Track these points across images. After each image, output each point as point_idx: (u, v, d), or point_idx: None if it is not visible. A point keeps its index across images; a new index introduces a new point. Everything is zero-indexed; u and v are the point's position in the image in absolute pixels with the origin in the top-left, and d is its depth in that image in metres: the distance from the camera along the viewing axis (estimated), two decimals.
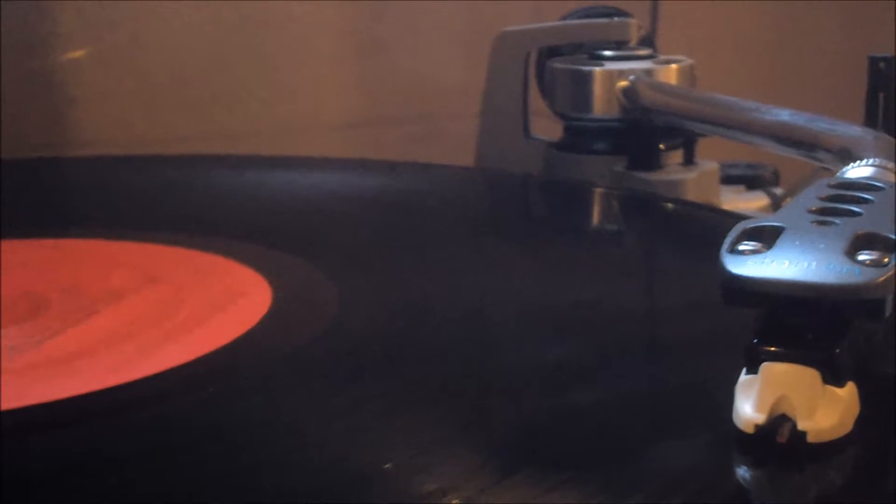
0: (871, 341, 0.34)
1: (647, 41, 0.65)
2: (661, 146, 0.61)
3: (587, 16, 0.67)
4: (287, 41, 0.83)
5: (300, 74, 0.84)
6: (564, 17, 0.67)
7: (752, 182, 0.67)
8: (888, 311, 0.29)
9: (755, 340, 0.30)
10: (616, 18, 0.66)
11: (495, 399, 0.35)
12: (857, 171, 0.40)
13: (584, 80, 0.61)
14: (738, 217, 0.44)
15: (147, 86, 0.80)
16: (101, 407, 0.34)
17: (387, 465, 0.30)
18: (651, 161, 0.61)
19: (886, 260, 0.29)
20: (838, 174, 0.40)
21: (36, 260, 0.49)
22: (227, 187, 0.62)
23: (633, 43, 0.64)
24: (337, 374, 0.37)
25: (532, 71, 0.66)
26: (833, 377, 0.29)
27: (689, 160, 0.61)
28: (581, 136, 0.63)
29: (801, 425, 0.29)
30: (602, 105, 0.61)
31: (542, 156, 0.65)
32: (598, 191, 0.61)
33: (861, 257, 0.30)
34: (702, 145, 0.61)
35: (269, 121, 0.83)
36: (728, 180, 0.66)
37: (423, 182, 0.64)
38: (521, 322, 0.42)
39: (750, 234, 0.31)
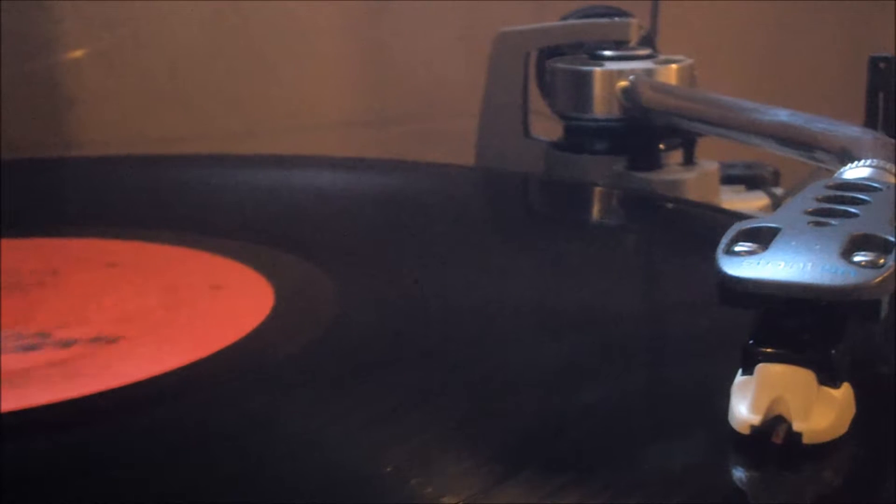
0: (869, 342, 0.34)
1: (647, 41, 0.65)
2: (661, 146, 0.61)
3: (587, 16, 0.67)
4: (287, 41, 0.83)
5: (300, 74, 0.84)
6: (564, 17, 0.67)
7: (752, 182, 0.67)
8: (884, 312, 0.29)
9: (751, 341, 0.30)
10: (616, 18, 0.66)
11: (495, 399, 0.35)
12: (855, 171, 0.40)
13: (584, 80, 0.61)
14: (737, 216, 0.44)
15: (147, 86, 0.80)
16: (102, 409, 0.34)
17: (388, 469, 0.30)
18: (651, 161, 0.60)
19: (882, 261, 0.29)
20: (836, 175, 0.40)
21: (35, 260, 0.49)
22: (228, 187, 0.62)
23: (633, 43, 0.64)
24: (338, 374, 0.37)
25: (532, 71, 0.66)
26: (828, 378, 0.29)
27: (689, 160, 0.61)
28: (581, 136, 0.63)
29: (796, 426, 0.29)
30: (602, 105, 0.61)
31: (543, 156, 0.65)
32: (598, 190, 0.61)
33: (857, 258, 0.30)
34: (702, 145, 0.61)
35: (268, 121, 0.83)
36: (728, 180, 0.66)
37: (423, 181, 0.64)
38: (520, 321, 0.42)
39: (746, 235, 0.31)
